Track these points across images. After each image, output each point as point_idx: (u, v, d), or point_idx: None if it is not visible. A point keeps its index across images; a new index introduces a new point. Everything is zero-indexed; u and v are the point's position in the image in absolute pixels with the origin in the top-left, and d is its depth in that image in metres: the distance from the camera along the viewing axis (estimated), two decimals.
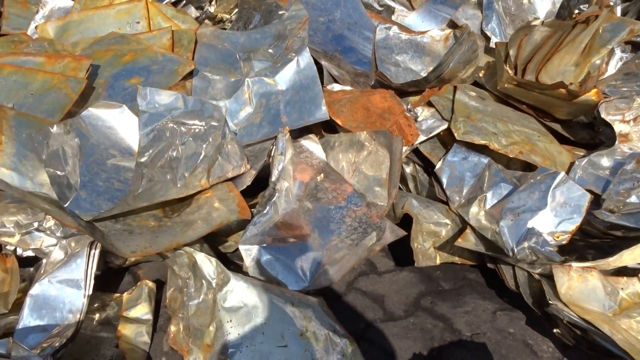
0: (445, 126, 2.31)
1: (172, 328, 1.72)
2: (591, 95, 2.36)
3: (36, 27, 2.45)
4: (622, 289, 1.73)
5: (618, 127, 2.36)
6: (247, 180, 1.89)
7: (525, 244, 1.71)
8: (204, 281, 1.62)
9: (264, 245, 1.79)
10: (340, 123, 2.19)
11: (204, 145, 1.74)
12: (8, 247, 1.94)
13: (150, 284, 1.88)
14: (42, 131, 1.66)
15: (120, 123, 1.89)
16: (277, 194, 1.86)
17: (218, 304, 1.56)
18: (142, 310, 1.81)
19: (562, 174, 1.79)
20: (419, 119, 2.36)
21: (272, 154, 1.93)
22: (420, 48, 2.87)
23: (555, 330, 1.70)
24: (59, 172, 1.65)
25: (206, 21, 2.75)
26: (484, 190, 1.99)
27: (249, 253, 1.78)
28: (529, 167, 2.31)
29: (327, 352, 1.53)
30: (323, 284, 1.78)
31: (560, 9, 3.33)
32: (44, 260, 1.89)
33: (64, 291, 1.71)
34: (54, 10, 2.56)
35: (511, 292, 1.93)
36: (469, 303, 1.97)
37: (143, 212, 1.71)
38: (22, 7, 2.64)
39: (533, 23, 2.60)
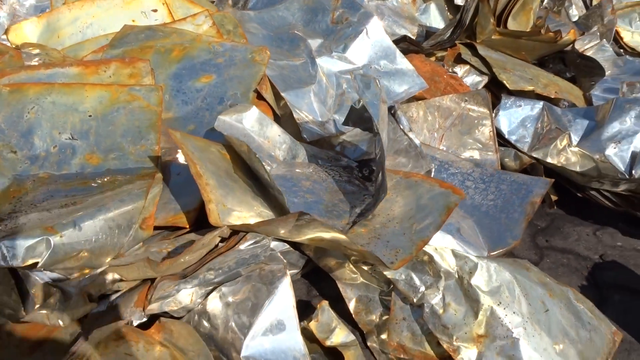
0: (486, 80, 2.44)
1: (394, 338, 1.55)
2: (570, 35, 2.72)
3: (6, 31, 1.81)
4: None
5: None
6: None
7: None
8: (441, 274, 1.49)
9: None
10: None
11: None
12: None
13: (327, 303, 1.64)
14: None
15: (253, 127, 1.56)
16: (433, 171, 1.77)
17: (476, 291, 1.46)
18: (343, 333, 1.57)
19: None
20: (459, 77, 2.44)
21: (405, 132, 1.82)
22: (395, 12, 2.90)
23: None
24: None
25: (229, 1, 2.34)
26: (561, 129, 2.18)
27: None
28: None
29: (570, 304, 1.57)
30: (500, 248, 1.78)
31: None
32: (193, 316, 1.50)
33: (279, 339, 1.41)
34: (15, 8, 1.89)
35: (595, 214, 2.21)
36: (570, 233, 2.18)
37: None
38: None
39: None
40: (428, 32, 2.87)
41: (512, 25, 2.91)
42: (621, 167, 2.02)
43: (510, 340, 1.42)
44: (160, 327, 1.45)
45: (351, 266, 1.64)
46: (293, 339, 1.43)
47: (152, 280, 1.27)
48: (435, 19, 2.94)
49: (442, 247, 1.50)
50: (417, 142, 1.80)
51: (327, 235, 1.26)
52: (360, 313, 1.65)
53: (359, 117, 1.70)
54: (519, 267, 1.57)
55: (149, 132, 1.55)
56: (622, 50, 3.42)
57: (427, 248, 1.49)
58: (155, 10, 1.96)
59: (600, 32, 3.15)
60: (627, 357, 1.64)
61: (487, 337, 1.44)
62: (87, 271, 1.26)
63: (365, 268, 1.62)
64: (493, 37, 2.74)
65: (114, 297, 1.29)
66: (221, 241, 1.29)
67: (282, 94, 1.83)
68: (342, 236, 1.24)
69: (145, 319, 1.26)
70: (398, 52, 2.05)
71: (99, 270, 1.23)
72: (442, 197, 1.53)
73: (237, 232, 1.28)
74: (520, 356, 1.40)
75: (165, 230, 1.44)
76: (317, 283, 1.89)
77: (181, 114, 1.69)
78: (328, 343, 1.55)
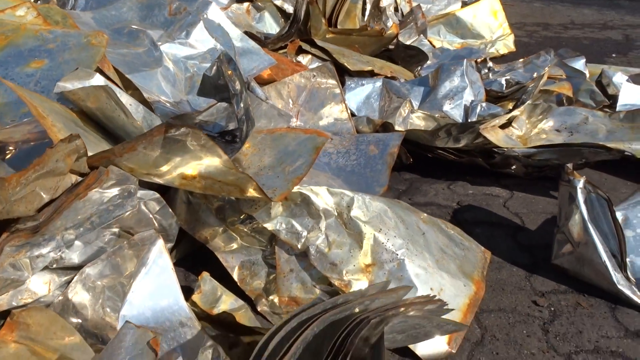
0: None
1: (285, 293, 1.49)
2: (393, 30, 3.01)
3: None
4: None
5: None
6: None
7: (475, 113, 2.19)
8: (321, 213, 1.48)
9: None
10: (266, 76, 2.18)
11: None
12: None
13: (207, 274, 1.53)
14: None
15: None
16: None
17: (356, 222, 1.47)
18: (230, 300, 1.47)
19: (465, 60, 2.34)
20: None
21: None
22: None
23: (512, 168, 2.24)
24: None
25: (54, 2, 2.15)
26: (402, 98, 2.36)
27: None
28: None
29: (441, 229, 1.66)
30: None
31: None
32: (54, 310, 1.30)
33: (160, 306, 1.28)
34: None
35: (446, 172, 2.40)
36: (428, 190, 2.32)
37: None
38: None
39: None
40: (266, 38, 2.96)
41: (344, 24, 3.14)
42: (458, 119, 2.23)
43: (397, 262, 1.45)
44: (13, 326, 1.22)
45: (229, 231, 1.56)
46: (176, 304, 1.30)
47: None
48: (271, 26, 3.05)
49: (317, 187, 1.50)
50: (275, 104, 1.81)
51: (202, 163, 1.18)
52: (245, 279, 1.56)
53: (214, 87, 1.66)
54: (390, 200, 1.63)
55: None
56: None
57: (302, 189, 1.47)
58: None
59: (416, 32, 3.51)
60: (499, 273, 1.75)
61: (374, 264, 1.45)
62: None
63: (245, 229, 1.56)
64: (327, 36, 2.92)
65: None
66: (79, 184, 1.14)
67: (128, 76, 1.73)
68: (219, 159, 1.17)
69: None
70: (241, 34, 2.08)
71: None
72: (309, 140, 1.54)
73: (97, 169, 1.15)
74: (408, 275, 1.43)
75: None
76: (194, 268, 1.76)
77: (11, 99, 1.51)
78: (215, 311, 1.43)
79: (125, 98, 1.51)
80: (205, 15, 2.04)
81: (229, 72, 1.56)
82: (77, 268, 1.32)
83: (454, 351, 1.39)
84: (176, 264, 1.75)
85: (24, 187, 0.98)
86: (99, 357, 0.93)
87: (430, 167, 2.46)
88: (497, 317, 1.56)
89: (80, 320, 1.29)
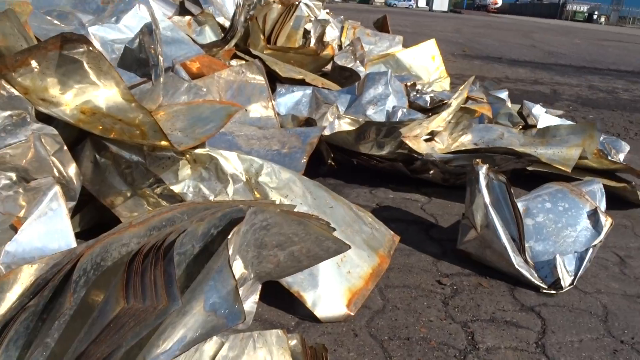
0: None
1: None
2: (329, 51, 3.14)
3: None
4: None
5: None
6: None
7: (396, 117, 2.29)
8: (229, 178, 1.49)
9: None
10: (196, 69, 2.22)
11: None
12: None
13: None
14: None
15: None
16: None
17: (264, 187, 1.49)
18: None
19: (390, 70, 2.46)
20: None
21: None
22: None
23: (430, 173, 2.32)
24: None
25: None
26: (330, 104, 2.44)
27: None
28: None
29: (351, 209, 1.70)
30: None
31: None
32: None
33: (50, 247, 1.24)
34: None
35: (369, 179, 2.47)
36: (350, 193, 2.37)
37: None
38: None
39: (271, 0, 3.20)
40: (202, 47, 3.03)
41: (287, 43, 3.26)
42: (383, 121, 2.32)
43: None
44: None
45: (137, 196, 1.55)
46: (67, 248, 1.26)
47: None
48: (211, 39, 3.12)
49: (228, 152, 1.52)
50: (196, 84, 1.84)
51: (100, 95, 1.18)
52: None
53: (135, 60, 1.69)
54: (302, 176, 1.66)
55: None
56: None
57: (212, 152, 1.49)
58: None
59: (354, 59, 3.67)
60: (407, 258, 1.79)
61: None
62: None
63: (152, 194, 1.54)
64: (265, 52, 3.02)
65: None
66: None
67: None
68: (117, 88, 1.17)
69: None
70: (172, 24, 2.13)
71: None
72: (223, 109, 1.57)
73: None
74: None
75: None
76: None
77: None
78: None
79: None
80: (138, 5, 2.09)
81: (149, 44, 1.59)
82: None
83: (352, 314, 1.40)
84: (80, 234, 1.70)
85: None
86: None
87: (355, 175, 2.52)
88: (401, 292, 1.58)
89: None
